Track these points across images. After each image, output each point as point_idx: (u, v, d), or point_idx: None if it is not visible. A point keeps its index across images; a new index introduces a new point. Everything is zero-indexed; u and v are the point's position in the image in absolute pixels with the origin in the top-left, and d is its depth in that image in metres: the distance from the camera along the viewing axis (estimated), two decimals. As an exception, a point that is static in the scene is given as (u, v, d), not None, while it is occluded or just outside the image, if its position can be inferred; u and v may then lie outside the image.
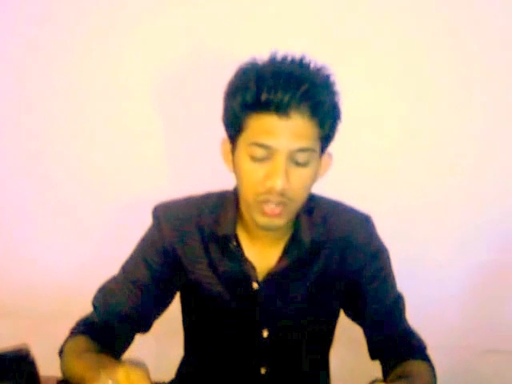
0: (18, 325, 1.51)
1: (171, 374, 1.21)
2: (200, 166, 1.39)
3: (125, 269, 1.08)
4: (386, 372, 1.08)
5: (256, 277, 1.04)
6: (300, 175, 0.92)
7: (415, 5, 1.36)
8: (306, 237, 1.03)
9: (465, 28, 1.38)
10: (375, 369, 1.11)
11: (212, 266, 1.04)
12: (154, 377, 0.83)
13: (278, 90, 0.87)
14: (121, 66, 1.45)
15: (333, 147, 1.01)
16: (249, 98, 0.89)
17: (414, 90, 1.42)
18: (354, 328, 1.14)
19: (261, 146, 0.90)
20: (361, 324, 1.12)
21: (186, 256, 1.05)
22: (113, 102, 1.47)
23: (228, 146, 0.99)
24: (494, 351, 1.61)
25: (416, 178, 1.48)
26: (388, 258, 1.10)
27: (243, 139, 0.93)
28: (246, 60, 0.95)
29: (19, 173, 1.56)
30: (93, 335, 1.01)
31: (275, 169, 0.90)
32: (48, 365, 0.96)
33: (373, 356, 1.12)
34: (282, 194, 0.91)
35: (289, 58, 0.93)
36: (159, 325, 1.11)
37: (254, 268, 1.03)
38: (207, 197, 1.09)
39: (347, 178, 1.37)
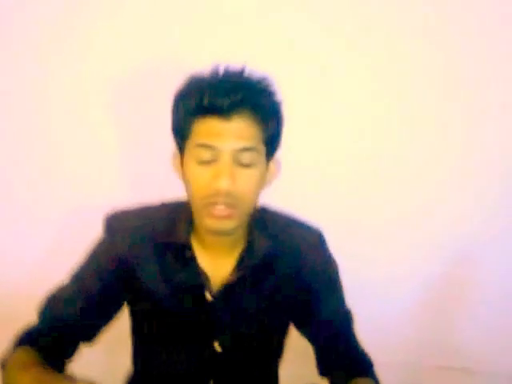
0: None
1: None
2: (154, 175, 1.38)
3: (74, 278, 1.06)
4: None
5: (209, 287, 1.03)
6: (246, 176, 0.95)
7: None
8: (260, 249, 1.04)
9: (447, 28, 1.42)
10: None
11: (165, 276, 1.04)
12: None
13: (219, 94, 0.92)
14: (76, 71, 1.44)
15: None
16: (192, 104, 0.94)
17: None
18: (304, 342, 1.14)
19: (205, 147, 0.93)
20: (309, 338, 1.13)
21: (138, 266, 1.04)
22: (66, 105, 1.46)
23: (178, 157, 1.01)
24: (445, 368, 1.63)
25: (366, 192, 1.50)
26: (338, 273, 1.12)
27: (189, 145, 0.96)
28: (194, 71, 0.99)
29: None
30: (38, 346, 0.98)
31: (220, 170, 0.93)
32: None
33: (321, 372, 1.13)
34: (228, 194, 0.93)
35: (230, 68, 0.97)
36: (108, 336, 1.10)
37: (207, 278, 1.03)
38: (161, 207, 1.09)
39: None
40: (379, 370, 1.10)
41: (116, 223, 1.06)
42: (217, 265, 1.05)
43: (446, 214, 1.52)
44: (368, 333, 1.17)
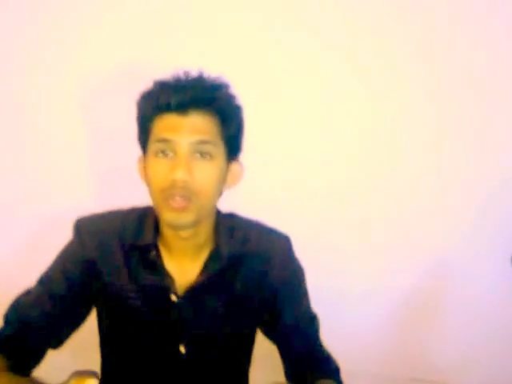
0: None
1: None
2: (125, 181, 1.37)
3: (42, 281, 1.06)
4: None
5: (175, 290, 1.04)
6: (203, 169, 0.97)
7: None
8: (225, 252, 1.06)
9: (447, 31, 1.43)
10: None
11: (132, 278, 1.05)
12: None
13: (177, 91, 0.97)
14: (48, 77, 1.44)
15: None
16: (152, 103, 0.99)
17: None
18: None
19: (163, 140, 0.97)
20: (275, 342, 1.15)
21: (106, 269, 1.05)
22: (41, 109, 1.45)
23: (142, 161, 1.04)
24: (418, 380, 1.63)
25: (342, 206, 1.51)
26: (304, 277, 1.14)
27: (150, 142, 0.99)
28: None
29: None
30: (3, 351, 0.98)
31: (177, 161, 0.95)
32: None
33: (288, 377, 1.14)
34: (185, 186, 0.94)
35: (189, 72, 1.02)
36: (77, 339, 1.09)
37: (173, 280, 1.04)
38: (129, 211, 1.11)
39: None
40: (353, 381, 1.10)
41: (84, 226, 1.07)
42: (183, 268, 1.06)
43: (421, 230, 1.54)
44: (343, 344, 1.20)
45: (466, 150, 1.49)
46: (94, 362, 1.16)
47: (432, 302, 1.59)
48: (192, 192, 0.95)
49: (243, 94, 1.05)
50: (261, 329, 1.16)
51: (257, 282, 1.09)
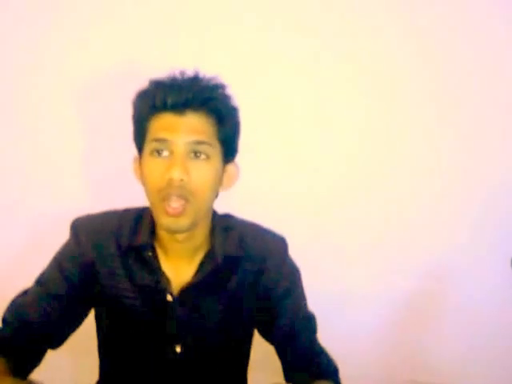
0: None
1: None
2: (122, 182, 1.37)
3: (40, 281, 1.06)
4: None
5: (171, 290, 1.05)
6: (199, 169, 0.97)
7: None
8: (220, 251, 1.06)
9: (444, 31, 1.44)
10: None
11: (129, 278, 1.05)
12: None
13: (173, 91, 0.97)
14: (44, 78, 1.44)
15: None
16: (148, 103, 0.99)
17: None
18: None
19: (159, 140, 0.97)
20: (273, 343, 1.14)
21: (103, 269, 1.05)
22: (36, 111, 1.46)
23: (138, 162, 1.04)
24: (417, 382, 1.63)
25: (341, 208, 1.51)
26: (300, 277, 1.14)
27: (147, 142, 0.99)
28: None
29: None
30: (2, 352, 0.98)
31: (173, 161, 0.95)
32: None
33: (286, 378, 1.13)
34: (181, 186, 0.95)
35: (184, 72, 1.02)
36: (76, 341, 1.09)
37: (168, 280, 1.05)
38: (125, 212, 1.11)
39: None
40: (353, 383, 1.10)
41: (81, 226, 1.07)
42: (179, 269, 1.06)
43: (420, 233, 1.54)
44: (342, 347, 1.19)
45: (466, 151, 1.50)
46: (93, 362, 1.16)
47: (432, 304, 1.59)
48: (188, 192, 0.95)
49: (239, 94, 1.04)
50: (258, 329, 1.16)
51: (252, 283, 1.09)
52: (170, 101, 0.96)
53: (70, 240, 1.07)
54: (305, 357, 1.11)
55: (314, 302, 1.15)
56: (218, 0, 1.42)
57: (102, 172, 1.48)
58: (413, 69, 1.44)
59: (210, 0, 1.41)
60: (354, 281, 1.46)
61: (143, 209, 1.08)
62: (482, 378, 1.62)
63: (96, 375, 1.17)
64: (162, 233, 1.04)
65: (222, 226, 1.08)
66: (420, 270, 1.56)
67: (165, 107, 0.97)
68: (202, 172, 0.97)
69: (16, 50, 1.43)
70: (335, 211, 1.50)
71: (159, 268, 1.04)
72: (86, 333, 1.10)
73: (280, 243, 1.13)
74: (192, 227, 1.00)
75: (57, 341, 1.06)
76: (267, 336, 1.15)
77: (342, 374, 1.16)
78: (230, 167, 1.05)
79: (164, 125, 0.97)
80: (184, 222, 0.97)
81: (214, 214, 1.09)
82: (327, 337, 1.15)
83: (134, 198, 1.06)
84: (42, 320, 1.02)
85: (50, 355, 1.07)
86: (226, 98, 1.02)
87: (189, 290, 1.05)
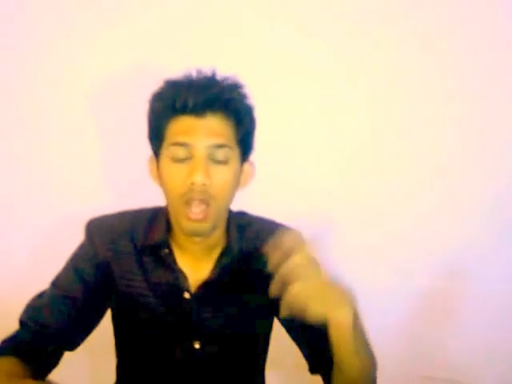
0: None
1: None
2: (136, 182, 1.38)
3: (56, 283, 1.06)
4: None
5: (188, 287, 1.05)
6: (220, 173, 0.97)
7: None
8: (237, 248, 1.06)
9: (446, 30, 1.43)
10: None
11: (145, 277, 1.05)
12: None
13: (192, 93, 0.96)
14: (58, 80, 1.45)
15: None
16: (166, 105, 0.98)
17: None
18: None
19: (179, 144, 0.96)
20: (296, 338, 1.12)
21: (119, 269, 1.06)
22: (51, 111, 1.46)
23: (154, 162, 1.03)
24: (431, 378, 1.62)
25: (356, 204, 1.50)
26: None
27: (165, 145, 0.98)
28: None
29: None
30: (20, 355, 0.97)
31: (195, 165, 0.95)
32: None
33: (312, 369, 1.11)
34: (203, 190, 0.95)
35: (201, 72, 1.01)
36: (93, 343, 1.09)
37: (185, 278, 1.05)
38: (140, 211, 1.11)
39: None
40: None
41: (95, 227, 1.08)
42: (195, 266, 1.07)
43: (436, 227, 1.53)
44: None
45: (479, 145, 1.48)
46: (110, 362, 1.17)
47: (448, 300, 1.57)
48: (210, 196, 0.96)
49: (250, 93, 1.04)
50: (280, 322, 1.15)
51: (269, 279, 1.07)
52: (190, 103, 0.95)
53: (84, 241, 1.08)
54: (325, 347, 1.07)
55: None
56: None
57: (117, 173, 1.49)
58: (422, 64, 1.44)
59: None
60: (367, 277, 1.45)
61: (157, 208, 1.09)
62: (499, 374, 1.60)
63: (113, 376, 1.18)
64: (178, 232, 1.04)
65: (238, 222, 1.09)
66: (435, 266, 1.54)
67: (185, 110, 0.96)
68: (222, 175, 0.97)
69: (31, 54, 1.44)
70: (347, 207, 1.49)
71: (176, 266, 1.05)
72: (103, 333, 1.11)
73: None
74: (212, 231, 1.01)
75: (74, 342, 1.06)
76: (289, 331, 1.12)
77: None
78: (246, 166, 1.05)
79: (183, 128, 0.96)
80: (206, 226, 0.98)
81: (229, 211, 1.09)
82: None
83: (149, 198, 1.06)
84: (58, 322, 1.02)
85: (68, 357, 1.07)
86: (243, 99, 1.02)
87: (206, 286, 1.05)
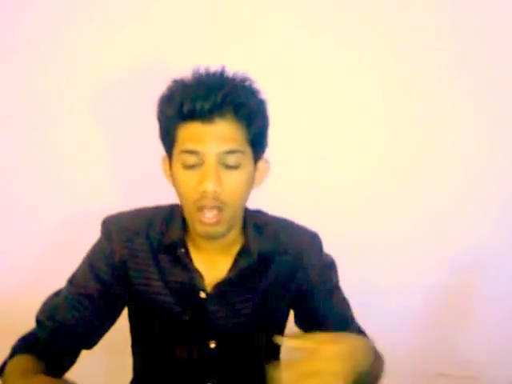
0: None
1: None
2: (149, 179, 1.38)
3: (72, 281, 1.06)
4: None
5: (204, 286, 1.04)
6: (232, 178, 0.96)
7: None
8: (255, 248, 1.06)
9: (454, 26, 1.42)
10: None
11: (161, 276, 1.05)
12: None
13: (200, 98, 0.93)
14: (68, 78, 1.45)
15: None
16: (174, 110, 0.95)
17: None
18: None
19: (189, 152, 0.95)
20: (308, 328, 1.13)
21: (135, 267, 1.05)
22: (62, 110, 1.47)
23: (167, 162, 1.02)
24: (446, 375, 1.63)
25: (371, 203, 1.50)
26: (335, 269, 1.14)
27: (176, 151, 0.97)
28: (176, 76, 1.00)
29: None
30: (36, 353, 0.97)
31: (205, 172, 0.94)
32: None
33: None
34: (215, 197, 0.94)
35: (210, 71, 0.98)
36: (109, 341, 1.09)
37: (201, 277, 1.04)
38: (155, 209, 1.11)
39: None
40: (383, 379, 1.09)
41: (111, 224, 1.07)
42: (212, 265, 1.06)
43: (450, 225, 1.53)
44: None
45: (495, 140, 1.48)
46: (127, 361, 1.17)
47: (462, 297, 1.58)
48: (222, 202, 0.95)
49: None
50: (296, 323, 1.16)
51: (287, 280, 1.09)
52: (197, 109, 0.92)
53: (100, 239, 1.07)
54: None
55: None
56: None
57: (132, 170, 1.49)
58: (449, 60, 1.43)
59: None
60: (383, 274, 1.46)
61: (173, 206, 1.08)
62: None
63: (129, 374, 1.18)
64: (194, 232, 1.03)
65: (255, 221, 1.09)
66: (450, 264, 1.55)
67: (193, 116, 0.93)
68: (234, 180, 0.96)
69: (41, 53, 1.44)
70: (363, 205, 1.50)
71: (192, 265, 1.04)
72: (120, 332, 1.10)
73: (314, 239, 1.13)
74: (227, 232, 1.01)
75: (91, 341, 1.06)
76: (307, 329, 1.14)
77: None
78: (260, 164, 1.03)
79: (192, 135, 0.94)
80: (219, 229, 0.98)
81: (245, 209, 1.08)
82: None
83: (163, 195, 1.06)
84: (75, 320, 1.01)
85: (84, 355, 1.07)
86: (254, 96, 0.99)
87: (223, 286, 1.04)
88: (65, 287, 1.05)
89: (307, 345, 0.82)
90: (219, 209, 0.95)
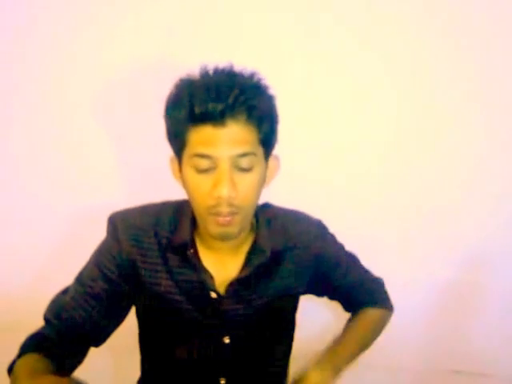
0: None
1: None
2: (154, 176, 1.38)
3: (79, 280, 1.05)
4: None
5: (213, 286, 1.03)
6: (246, 181, 0.94)
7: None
8: (267, 246, 1.05)
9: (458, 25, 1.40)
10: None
11: (171, 275, 1.03)
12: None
13: (210, 101, 0.89)
14: (75, 75, 1.44)
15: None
16: (184, 113, 0.92)
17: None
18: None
19: (202, 156, 0.92)
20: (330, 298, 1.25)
21: (144, 265, 1.03)
22: (67, 108, 1.46)
23: (176, 162, 1.00)
24: (457, 372, 1.61)
25: (379, 197, 1.49)
26: (336, 240, 1.20)
27: (186, 154, 0.95)
28: (182, 75, 0.97)
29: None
30: (45, 352, 0.97)
31: (220, 177, 0.92)
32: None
33: (345, 309, 1.26)
34: (230, 203, 0.93)
35: (218, 70, 0.95)
36: (117, 340, 1.09)
37: (211, 277, 1.03)
38: (164, 205, 1.09)
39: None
40: (393, 375, 1.09)
41: (118, 221, 1.05)
42: (222, 264, 1.05)
43: (461, 220, 1.51)
44: (382, 338, 1.21)
45: (504, 141, 1.46)
46: (135, 359, 1.17)
47: (473, 293, 1.56)
48: (237, 207, 0.94)
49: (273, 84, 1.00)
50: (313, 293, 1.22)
51: (298, 272, 1.10)
52: (209, 112, 0.89)
53: (107, 237, 1.05)
54: (359, 290, 1.22)
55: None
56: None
57: (137, 165, 1.48)
58: (441, 59, 1.41)
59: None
60: (393, 270, 1.44)
61: (181, 202, 1.06)
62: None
63: (137, 373, 1.17)
64: (203, 231, 1.02)
65: (265, 216, 1.08)
66: (461, 259, 1.53)
67: (204, 119, 0.90)
68: (247, 182, 0.94)
69: (49, 52, 1.44)
70: (372, 199, 1.48)
71: (201, 266, 1.03)
72: (127, 330, 1.10)
73: (319, 226, 1.16)
74: (240, 232, 1.00)
75: (99, 339, 1.05)
76: (322, 295, 1.24)
77: (382, 368, 1.15)
78: (271, 162, 1.02)
79: (204, 139, 0.91)
80: (233, 230, 0.97)
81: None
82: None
83: (169, 191, 1.05)
84: (83, 319, 1.01)
85: (92, 353, 1.06)
86: (264, 94, 0.96)
87: (235, 284, 1.04)
88: (72, 285, 1.05)
89: None
90: (234, 213, 0.94)
